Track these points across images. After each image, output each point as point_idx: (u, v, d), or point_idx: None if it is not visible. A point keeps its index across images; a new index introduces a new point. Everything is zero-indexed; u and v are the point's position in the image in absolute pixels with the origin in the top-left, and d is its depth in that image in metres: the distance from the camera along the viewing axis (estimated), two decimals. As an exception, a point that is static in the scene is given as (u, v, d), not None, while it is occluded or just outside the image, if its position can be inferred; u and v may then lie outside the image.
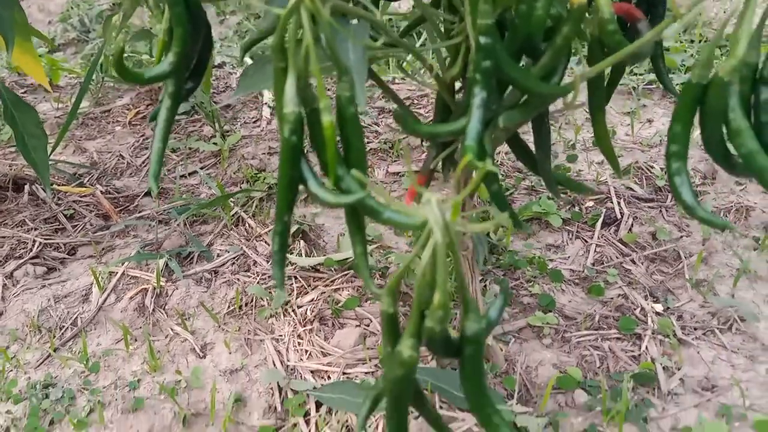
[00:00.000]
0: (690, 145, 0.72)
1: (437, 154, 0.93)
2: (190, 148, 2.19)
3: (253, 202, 1.75)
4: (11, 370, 1.32)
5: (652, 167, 1.78)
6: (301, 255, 1.50)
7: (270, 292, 1.39)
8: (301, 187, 0.67)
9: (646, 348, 1.23)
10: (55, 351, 1.33)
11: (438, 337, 0.58)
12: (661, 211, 1.61)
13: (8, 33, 1.33)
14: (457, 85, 0.93)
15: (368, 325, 1.28)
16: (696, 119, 0.71)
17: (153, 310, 1.40)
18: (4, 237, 1.68)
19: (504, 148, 1.96)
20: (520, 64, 0.80)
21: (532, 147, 0.93)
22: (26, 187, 1.91)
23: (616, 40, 0.76)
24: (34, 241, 1.66)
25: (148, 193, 1.93)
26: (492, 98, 0.75)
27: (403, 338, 0.60)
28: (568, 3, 0.74)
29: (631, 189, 1.71)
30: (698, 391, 1.14)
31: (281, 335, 1.28)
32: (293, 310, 1.33)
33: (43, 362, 1.33)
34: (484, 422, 0.63)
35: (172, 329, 1.34)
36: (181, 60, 0.82)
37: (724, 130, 0.72)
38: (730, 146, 0.72)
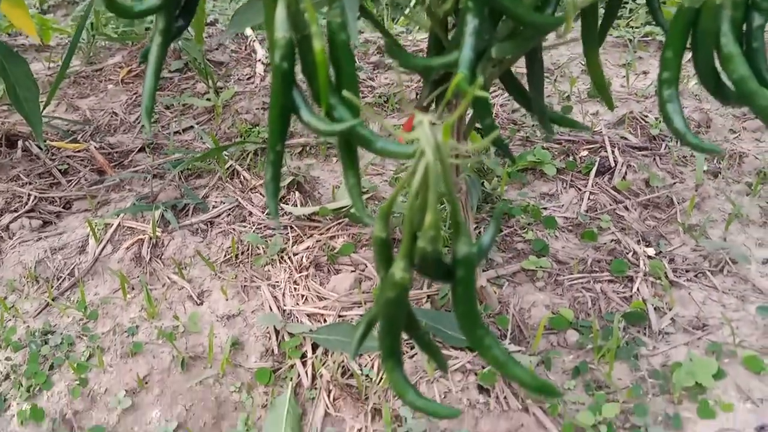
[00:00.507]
0: (684, 96, 0.72)
1: (430, 92, 0.93)
2: (183, 105, 2.17)
3: (247, 155, 1.74)
4: (10, 320, 1.33)
5: (646, 117, 1.77)
6: (296, 205, 1.50)
7: (266, 240, 1.40)
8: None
9: (638, 290, 1.24)
10: (53, 300, 1.34)
11: (430, 258, 0.59)
12: (654, 159, 1.62)
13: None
14: (451, 23, 0.92)
15: (363, 270, 1.29)
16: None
17: (150, 259, 1.41)
18: (-2, 191, 1.68)
19: (497, 100, 1.95)
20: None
21: (527, 87, 0.93)
22: (19, 143, 1.90)
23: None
24: (29, 194, 1.66)
25: (142, 149, 1.92)
26: (484, 27, 0.74)
27: (395, 260, 0.61)
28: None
29: (626, 138, 1.71)
30: (689, 330, 1.16)
31: (277, 281, 1.29)
32: (289, 258, 1.34)
33: (41, 311, 1.34)
34: (476, 344, 0.64)
35: (169, 278, 1.35)
36: (170, -6, 0.82)
37: (716, 57, 0.72)
38: (722, 75, 0.73)
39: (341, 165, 0.74)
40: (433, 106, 0.98)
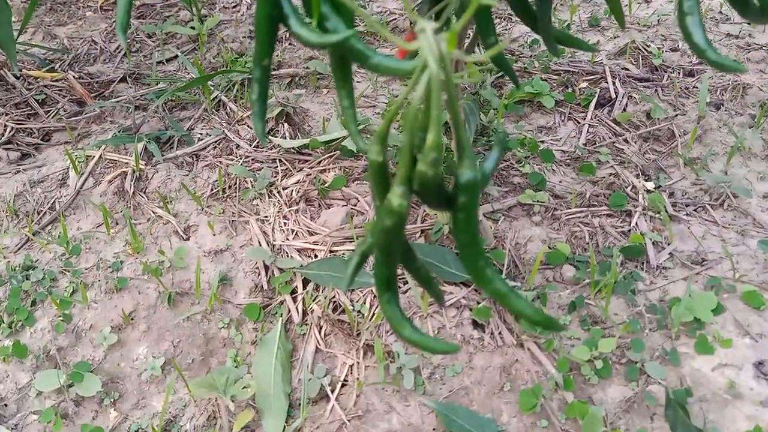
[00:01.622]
0: None
1: (430, 8, 0.86)
2: (166, 33, 2.07)
3: (234, 86, 1.67)
4: (-10, 255, 1.29)
5: (648, 47, 1.71)
6: (285, 138, 1.44)
7: (254, 174, 1.34)
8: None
9: (636, 224, 1.21)
10: (34, 235, 1.30)
11: (431, 182, 0.55)
12: (656, 90, 1.56)
13: None
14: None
15: (355, 205, 1.25)
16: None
17: (133, 193, 1.36)
18: (-27, 123, 1.61)
19: (497, 30, 1.87)
20: None
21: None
22: (-6, 72, 1.81)
23: None
24: (5, 125, 1.59)
25: (123, 79, 1.84)
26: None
27: (393, 186, 0.56)
28: None
29: (627, 69, 1.65)
30: (687, 265, 1.14)
31: (266, 216, 1.25)
32: (278, 192, 1.29)
33: (21, 246, 1.30)
34: (477, 275, 0.60)
35: (153, 212, 1.31)
36: None
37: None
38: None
39: (335, 83, 0.69)
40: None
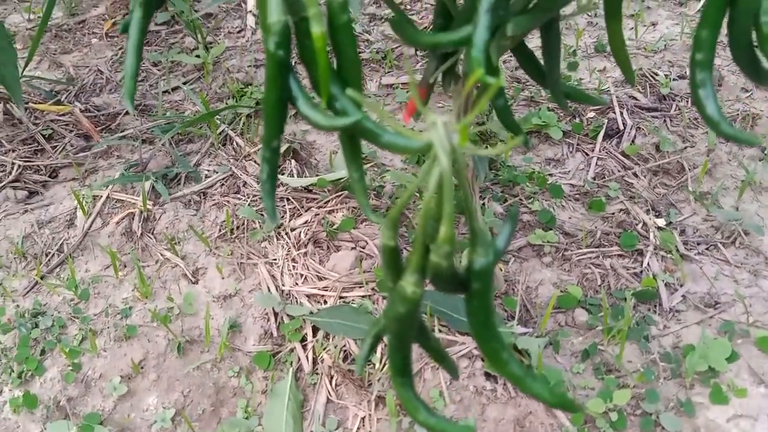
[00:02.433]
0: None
1: (437, 67, 0.86)
2: (172, 62, 2.08)
3: (240, 119, 1.67)
4: (-1, 299, 1.29)
5: (656, 74, 1.70)
6: (292, 175, 1.44)
7: (262, 215, 1.34)
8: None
9: (648, 264, 1.20)
10: (42, 278, 1.30)
11: (444, 273, 0.54)
12: (665, 120, 1.55)
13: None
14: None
15: (364, 247, 1.24)
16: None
17: (141, 234, 1.35)
18: (-20, 160, 1.61)
19: (501, 57, 1.87)
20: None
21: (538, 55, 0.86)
22: (0, 106, 1.82)
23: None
24: (13, 163, 1.59)
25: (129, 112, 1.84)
26: (499, 1, 0.68)
27: (405, 273, 0.55)
28: None
29: (635, 98, 1.64)
30: (701, 308, 1.13)
31: (275, 259, 1.25)
32: (287, 233, 1.29)
33: (30, 290, 1.30)
34: (492, 359, 0.60)
35: (161, 254, 1.30)
36: (150, -35, 0.74)
37: (754, 35, 0.65)
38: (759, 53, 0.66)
39: (344, 159, 0.68)
40: (439, 79, 0.91)
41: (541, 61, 0.86)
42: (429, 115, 0.52)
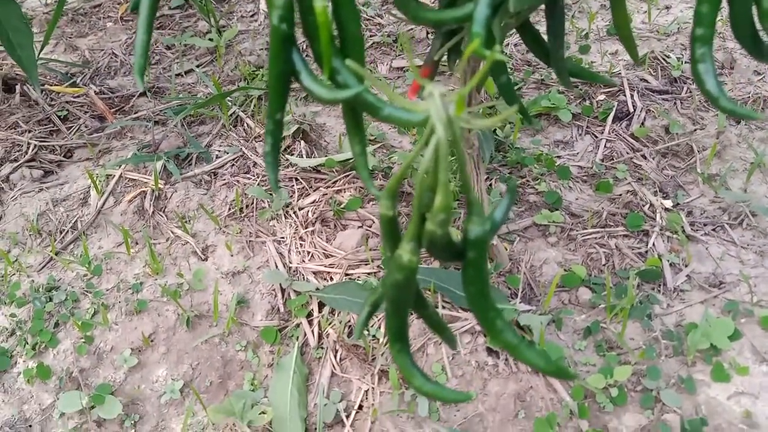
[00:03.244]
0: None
1: (442, 44, 0.87)
2: (185, 45, 2.09)
3: (251, 101, 1.68)
4: (14, 274, 1.32)
5: (668, 57, 1.69)
6: (301, 156, 1.45)
7: (270, 194, 1.36)
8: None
9: (654, 245, 1.20)
10: (56, 255, 1.32)
11: (439, 241, 0.55)
12: (675, 103, 1.55)
13: None
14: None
15: (370, 226, 1.26)
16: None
17: (152, 213, 1.38)
18: (-3, 140, 1.64)
19: (511, 39, 1.87)
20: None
21: (544, 35, 0.86)
22: (17, 87, 1.84)
23: None
24: (29, 143, 1.62)
25: (143, 93, 1.86)
26: (500, -20, 0.68)
27: (402, 242, 0.57)
28: None
29: (645, 80, 1.64)
30: (705, 288, 1.13)
31: (283, 237, 1.26)
32: (294, 212, 1.31)
33: (45, 266, 1.33)
34: (488, 327, 0.61)
35: (172, 232, 1.33)
36: (158, -58, 0.75)
37: (755, 11, 0.66)
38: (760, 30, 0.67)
39: (346, 129, 0.69)
40: (445, 57, 0.92)
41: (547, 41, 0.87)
42: (427, 85, 0.54)
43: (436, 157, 0.53)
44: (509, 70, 1.74)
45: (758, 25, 0.67)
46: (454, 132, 0.53)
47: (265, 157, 0.67)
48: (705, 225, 1.24)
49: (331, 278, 1.17)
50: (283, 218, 1.30)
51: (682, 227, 1.22)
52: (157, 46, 2.11)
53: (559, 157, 1.45)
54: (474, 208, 0.57)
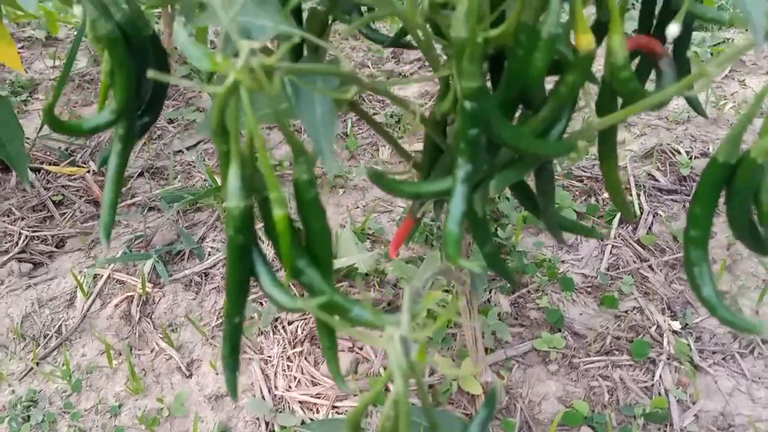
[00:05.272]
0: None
1: (423, 201, 0.82)
2: (187, 119, 2.08)
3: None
4: (-5, 382, 1.28)
5: (677, 151, 1.63)
6: (295, 256, 1.40)
7: (262, 303, 1.31)
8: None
9: (660, 377, 1.13)
10: (37, 365, 1.28)
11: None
12: (684, 205, 1.49)
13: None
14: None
15: (362, 349, 1.20)
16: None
17: (139, 319, 1.33)
18: (-11, 229, 1.61)
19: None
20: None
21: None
22: (14, 172, 1.83)
23: (630, 89, 0.64)
24: (20, 233, 1.59)
25: (141, 174, 1.84)
26: (481, 162, 0.64)
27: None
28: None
29: (653, 177, 1.58)
30: (713, 431, 1.06)
31: (270, 356, 1.21)
32: (283, 327, 1.26)
33: (26, 374, 1.28)
34: None
35: (157, 344, 1.28)
36: (125, 106, 0.72)
37: (756, 211, 0.61)
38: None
39: (317, 331, 0.64)
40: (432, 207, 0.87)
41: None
42: (386, 327, 0.49)
43: (396, 411, 0.48)
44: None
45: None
46: (417, 379, 0.48)
47: (224, 360, 0.62)
48: (714, 353, 1.17)
49: (318, 410, 1.11)
50: (271, 334, 1.25)
51: (690, 357, 1.16)
52: (160, 120, 2.09)
53: (563, 261, 1.39)
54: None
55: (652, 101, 0.59)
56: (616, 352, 1.18)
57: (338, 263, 1.34)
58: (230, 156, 0.54)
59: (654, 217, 1.45)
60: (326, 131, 0.64)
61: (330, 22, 0.80)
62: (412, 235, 0.87)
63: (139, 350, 1.28)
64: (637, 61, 0.77)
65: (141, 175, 1.84)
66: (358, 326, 0.58)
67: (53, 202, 1.71)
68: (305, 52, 0.81)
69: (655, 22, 0.79)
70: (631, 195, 1.52)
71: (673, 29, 0.61)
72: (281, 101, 0.66)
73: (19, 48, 2.78)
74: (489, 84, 0.73)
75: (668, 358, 1.16)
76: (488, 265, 0.77)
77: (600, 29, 0.66)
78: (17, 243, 1.57)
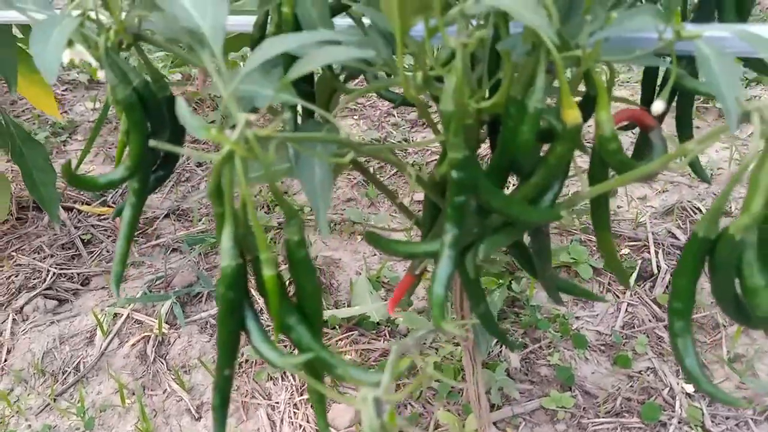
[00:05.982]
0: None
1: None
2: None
3: (269, 232, 1.68)
4: (12, 416, 1.31)
5: (698, 209, 1.62)
6: (309, 303, 1.43)
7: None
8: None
9: (670, 442, 1.11)
10: (54, 401, 1.31)
11: None
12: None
13: (9, 72, 1.29)
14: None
15: (367, 399, 1.21)
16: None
17: (153, 359, 1.36)
18: (20, 265, 1.67)
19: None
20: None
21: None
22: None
23: (618, 160, 0.65)
24: (48, 270, 1.65)
25: (167, 215, 1.89)
26: (470, 227, 0.66)
27: None
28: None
29: (673, 235, 1.57)
30: (724, 501, 1.03)
31: (277, 402, 1.22)
32: (291, 374, 1.27)
33: (43, 409, 1.31)
34: None
35: (169, 385, 1.30)
36: (139, 162, 0.76)
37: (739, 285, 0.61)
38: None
39: (306, 379, 0.66)
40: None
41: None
42: (361, 389, 0.50)
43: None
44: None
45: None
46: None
47: (213, 413, 0.64)
48: (727, 419, 1.15)
49: (319, 460, 1.12)
50: (280, 380, 1.27)
51: (702, 422, 1.13)
52: (188, 163, 2.16)
53: (577, 318, 1.38)
54: None
55: (638, 173, 0.61)
56: (627, 414, 1.16)
57: (351, 311, 1.35)
58: (224, 218, 0.57)
59: (672, 276, 1.44)
60: (324, 197, 0.66)
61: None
62: (412, 291, 0.89)
63: (151, 390, 1.30)
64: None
65: (167, 216, 1.89)
66: (344, 382, 0.59)
67: (82, 240, 1.77)
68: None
69: (656, 94, 0.80)
70: (649, 252, 1.51)
71: (657, 106, 0.63)
72: (280, 162, 0.69)
73: (63, 90, 2.91)
74: (489, 145, 0.75)
75: (679, 422, 1.14)
76: (482, 324, 0.78)
77: (590, 103, 0.68)
78: (45, 280, 1.63)
